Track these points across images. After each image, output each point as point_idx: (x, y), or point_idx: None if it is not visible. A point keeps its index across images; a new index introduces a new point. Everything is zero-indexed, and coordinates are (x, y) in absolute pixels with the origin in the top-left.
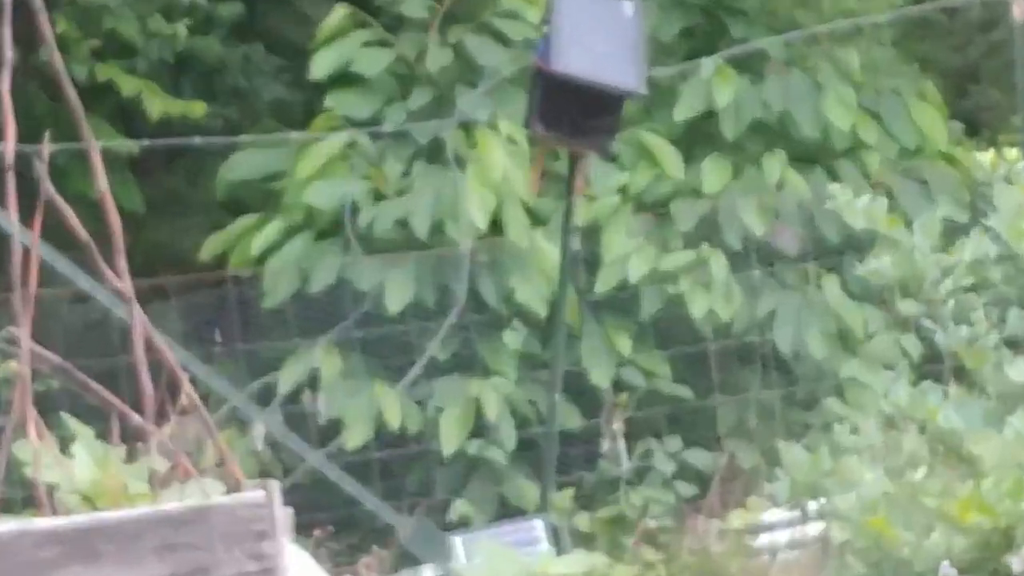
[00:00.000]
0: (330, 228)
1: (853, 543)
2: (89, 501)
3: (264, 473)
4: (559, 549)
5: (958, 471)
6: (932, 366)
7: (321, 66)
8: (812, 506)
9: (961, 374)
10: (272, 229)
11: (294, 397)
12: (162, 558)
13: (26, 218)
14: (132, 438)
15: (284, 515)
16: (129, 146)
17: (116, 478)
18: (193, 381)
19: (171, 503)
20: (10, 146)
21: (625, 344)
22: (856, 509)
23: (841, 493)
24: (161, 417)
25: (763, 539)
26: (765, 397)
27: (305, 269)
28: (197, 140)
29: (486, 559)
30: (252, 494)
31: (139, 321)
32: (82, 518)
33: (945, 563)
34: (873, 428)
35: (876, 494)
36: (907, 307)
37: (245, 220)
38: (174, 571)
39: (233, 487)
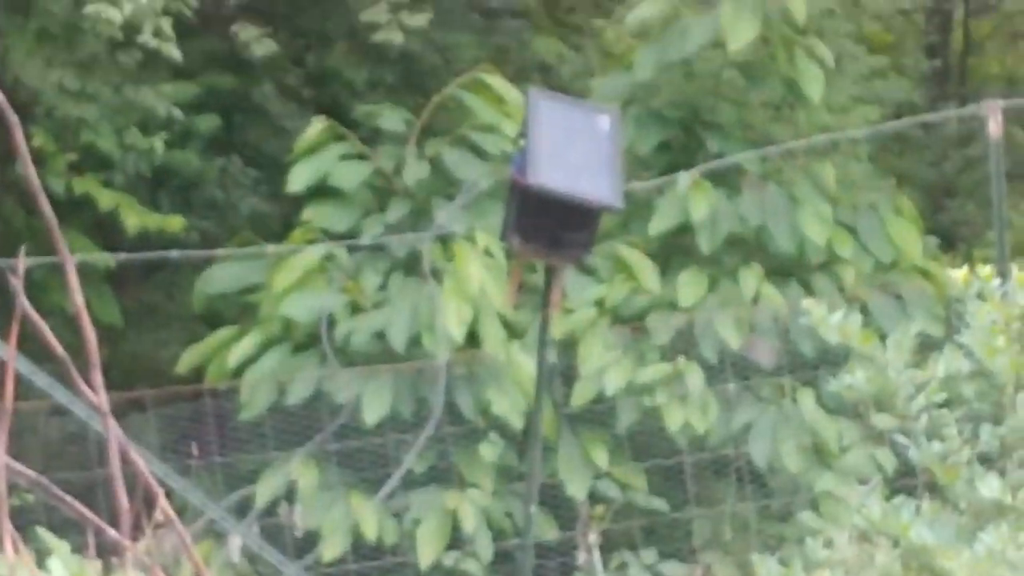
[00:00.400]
0: (307, 340)
1: None
2: None
3: None
4: None
5: None
6: (906, 480)
7: (298, 179)
8: None
9: (934, 489)
10: (249, 342)
11: (271, 509)
12: None
13: (2, 332)
14: (108, 552)
15: None
16: (106, 259)
17: None
18: (169, 494)
19: None
20: None
21: (601, 456)
22: None
23: None
24: (137, 531)
25: None
26: (740, 509)
27: (282, 381)
28: (174, 253)
29: None
30: None
31: (115, 435)
32: None
33: None
34: (846, 542)
35: None
36: (881, 421)
37: (222, 333)
38: None
39: None
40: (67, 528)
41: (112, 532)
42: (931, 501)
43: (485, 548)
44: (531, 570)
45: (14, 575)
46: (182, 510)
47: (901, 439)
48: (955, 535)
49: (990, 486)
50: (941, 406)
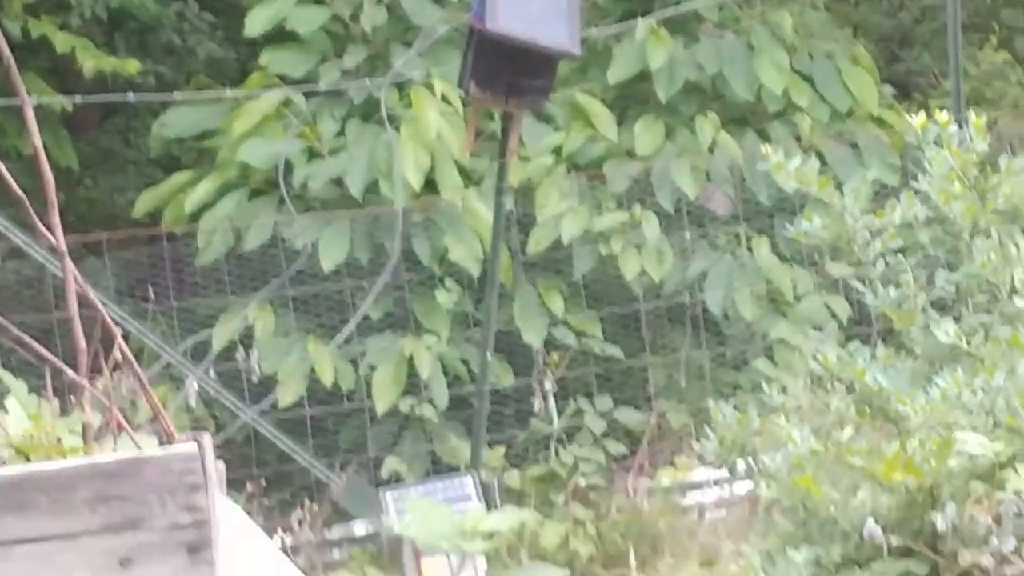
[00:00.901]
0: (264, 186)
1: (780, 501)
2: (22, 454)
3: (197, 429)
4: (490, 506)
5: (884, 431)
6: (860, 328)
7: (255, 23)
8: (740, 466)
9: (889, 336)
10: (206, 186)
11: (227, 354)
12: (95, 510)
13: None
14: (66, 393)
15: (217, 469)
16: (63, 102)
17: (49, 432)
18: (126, 338)
19: (104, 456)
20: None
21: (557, 304)
22: (783, 468)
23: (769, 452)
24: (95, 372)
25: (691, 497)
26: (695, 357)
27: (239, 227)
28: (131, 97)
29: (418, 514)
30: (185, 447)
31: (72, 275)
32: (15, 469)
33: (870, 521)
34: (801, 388)
35: (803, 453)
36: (837, 269)
37: (179, 177)
38: (107, 522)
39: (166, 442)
40: (24, 371)
41: (69, 372)
42: (886, 348)
43: (441, 394)
44: (487, 416)
45: None
46: (139, 354)
47: (857, 285)
48: (909, 380)
49: (945, 331)
50: (897, 252)
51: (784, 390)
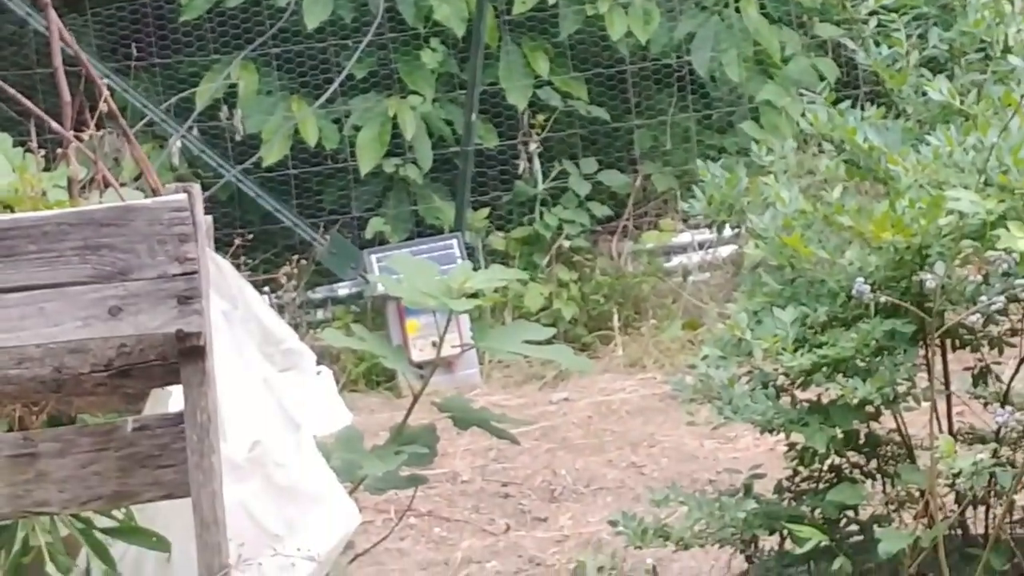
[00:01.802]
0: None
1: (767, 262)
2: (7, 208)
3: None
4: (474, 267)
5: (874, 191)
6: (848, 91)
7: None
8: (726, 231)
9: (876, 100)
10: None
11: (211, 113)
12: (84, 259)
13: None
14: (50, 149)
15: (205, 221)
16: None
17: (35, 185)
18: (112, 93)
19: (93, 205)
20: None
21: (543, 65)
22: (771, 228)
23: (756, 212)
24: (80, 126)
25: (675, 260)
26: (681, 120)
27: None
28: None
29: (403, 272)
30: (174, 197)
31: (56, 26)
32: (2, 218)
33: (859, 279)
34: (790, 148)
35: (792, 212)
36: (826, 30)
37: None
38: (95, 272)
39: (153, 196)
40: (7, 128)
41: (54, 125)
42: (876, 108)
43: (425, 155)
44: (471, 178)
45: None
46: (122, 112)
47: (848, 43)
48: (901, 140)
49: (939, 89)
50: (890, 10)
51: (771, 151)
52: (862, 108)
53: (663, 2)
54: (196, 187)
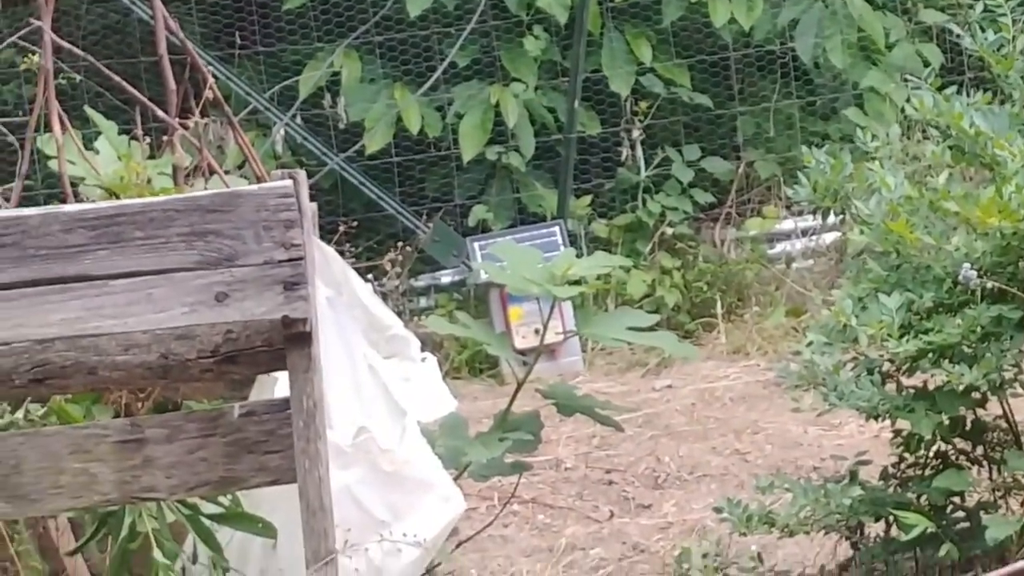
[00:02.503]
0: None
1: (872, 248)
2: (113, 195)
3: None
4: (578, 254)
5: (980, 177)
6: (953, 77)
7: None
8: (830, 217)
9: (982, 86)
10: None
11: (314, 101)
12: (190, 245)
13: None
14: (155, 137)
15: (310, 207)
16: None
17: (140, 172)
18: (214, 83)
19: (199, 191)
20: None
21: (646, 52)
22: (877, 214)
23: (861, 198)
24: (185, 114)
25: (779, 247)
26: (784, 106)
27: None
28: None
29: (507, 258)
30: (280, 183)
31: (161, 14)
32: (109, 204)
33: (966, 265)
34: (895, 134)
35: (897, 198)
36: (931, 16)
37: None
38: (202, 258)
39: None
40: (114, 115)
41: (159, 112)
42: (982, 94)
43: (528, 143)
44: (573, 164)
45: (62, 153)
46: (225, 100)
47: (954, 28)
48: (1007, 124)
49: None
50: None
51: (876, 137)
52: (968, 94)
53: None
54: (301, 174)
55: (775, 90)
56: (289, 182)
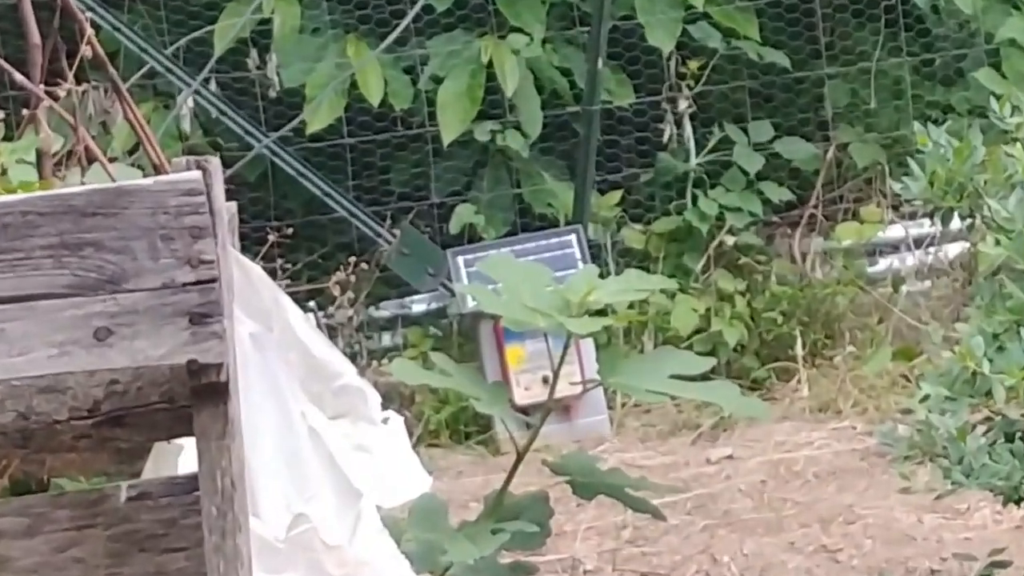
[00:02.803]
0: None
1: (1013, 264)
2: None
3: None
4: (601, 272)
5: None
6: None
7: None
8: (954, 221)
9: None
10: None
11: (235, 59)
12: (59, 261)
13: None
14: (13, 107)
15: (228, 209)
16: None
17: None
18: (97, 33)
19: (71, 189)
20: None
21: None
22: (1018, 217)
23: (997, 195)
24: (54, 78)
25: (883, 264)
26: (890, 67)
27: None
28: None
29: (502, 279)
30: (184, 175)
31: None
32: None
33: None
34: None
35: None
36: None
37: None
38: (75, 280)
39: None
40: None
41: (19, 77)
42: None
43: (532, 117)
44: (596, 148)
45: None
46: (112, 59)
47: None
48: None
49: None
50: None
51: (1018, 109)
52: None
53: None
54: (215, 161)
55: (877, 44)
56: (197, 174)
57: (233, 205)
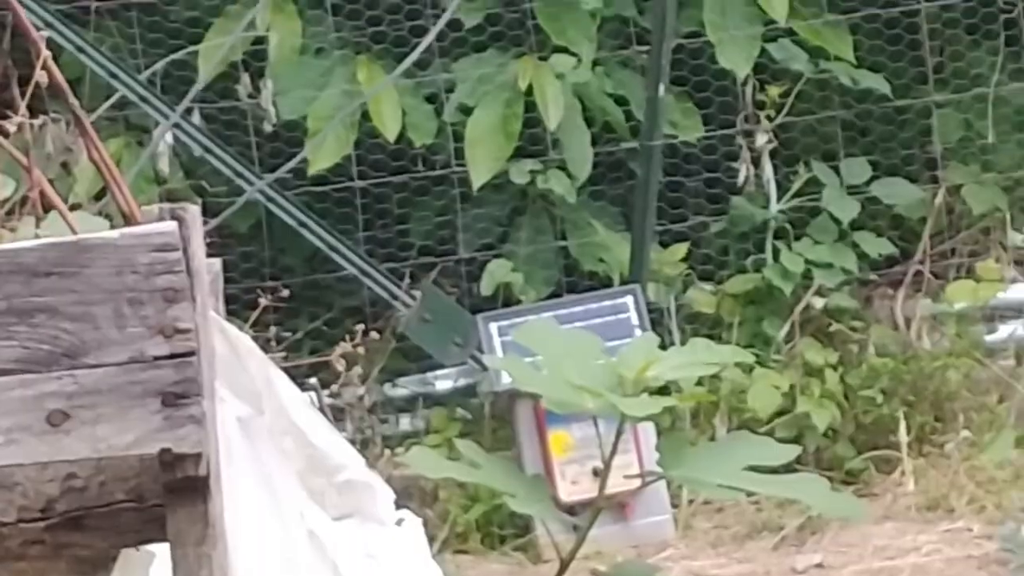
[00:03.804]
0: None
1: None
2: None
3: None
4: (663, 341)
5: None
6: None
7: None
8: None
9: None
10: None
11: (223, 86)
12: (6, 331)
13: None
14: None
15: (210, 269)
16: None
17: None
18: (57, 56)
19: (23, 243)
20: None
21: (778, 3)
22: None
23: None
24: (4, 109)
25: (1004, 331)
26: (1011, 94)
27: None
28: None
29: (543, 351)
30: (156, 227)
31: None
32: None
33: None
34: None
35: None
36: None
37: None
38: (25, 353)
39: (124, 226)
40: None
41: None
42: None
43: (580, 155)
44: (657, 192)
45: None
46: (76, 84)
47: None
48: None
49: None
50: None
51: None
52: None
53: None
54: (194, 210)
55: (996, 67)
56: (173, 225)
57: (217, 262)
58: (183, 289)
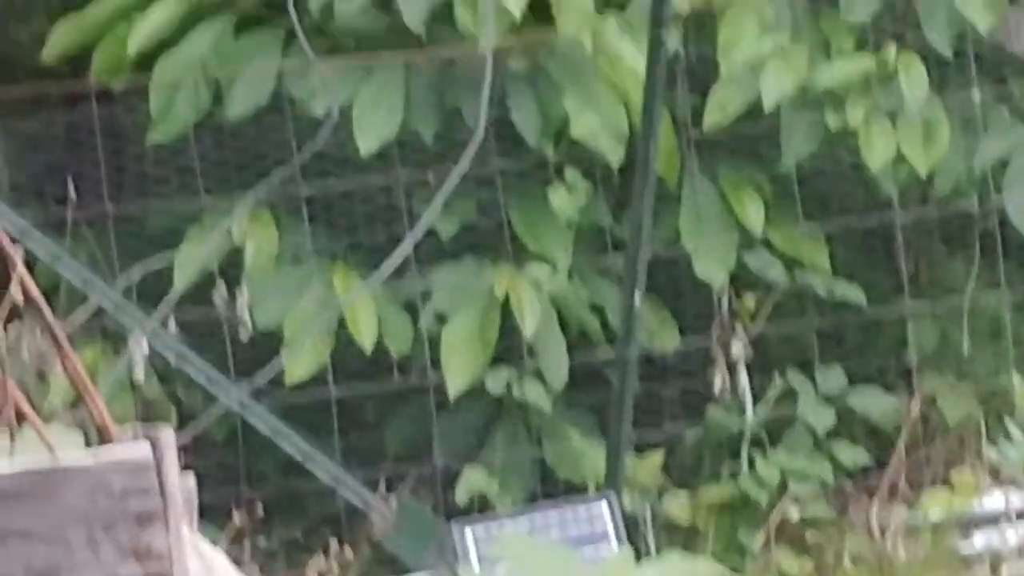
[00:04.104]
0: (260, 11)
1: None
2: None
3: (149, 418)
4: (639, 551)
5: None
6: None
7: None
8: None
9: None
10: (162, 12)
11: (199, 294)
12: None
13: None
14: None
15: (184, 486)
16: None
17: None
18: (31, 264)
19: None
20: None
21: (753, 212)
22: None
23: None
24: None
25: (979, 541)
26: (988, 303)
27: (218, 79)
28: None
29: (518, 560)
30: (130, 449)
31: None
32: None
33: None
34: None
35: None
36: None
37: None
38: None
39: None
40: None
41: None
42: None
43: (556, 363)
44: (633, 400)
45: None
46: (51, 294)
47: None
48: None
49: None
50: None
51: None
52: None
53: (956, 107)
54: (166, 433)
55: (971, 276)
56: (146, 448)
57: (191, 478)
58: (156, 511)
